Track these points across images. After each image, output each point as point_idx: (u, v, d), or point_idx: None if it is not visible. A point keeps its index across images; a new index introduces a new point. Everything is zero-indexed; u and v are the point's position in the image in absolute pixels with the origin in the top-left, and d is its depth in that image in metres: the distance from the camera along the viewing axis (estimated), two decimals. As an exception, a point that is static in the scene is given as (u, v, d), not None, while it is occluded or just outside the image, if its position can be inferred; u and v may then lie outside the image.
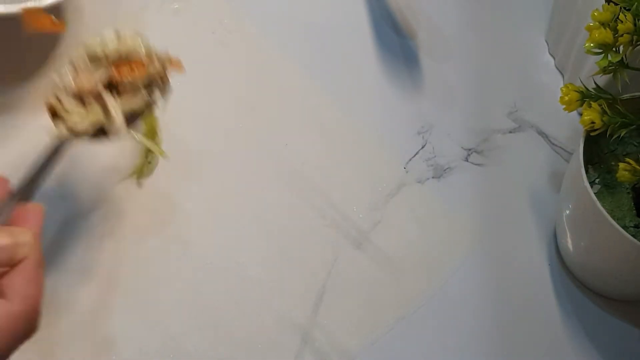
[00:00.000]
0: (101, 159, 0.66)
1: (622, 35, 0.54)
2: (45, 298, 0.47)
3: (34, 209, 0.49)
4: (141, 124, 0.62)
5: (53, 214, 0.63)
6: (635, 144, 0.60)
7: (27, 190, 0.50)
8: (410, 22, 0.79)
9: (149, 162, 0.66)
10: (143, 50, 0.57)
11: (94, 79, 0.54)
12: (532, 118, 0.73)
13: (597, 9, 0.56)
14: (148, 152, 0.66)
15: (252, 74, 0.74)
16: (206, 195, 0.67)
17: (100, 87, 0.54)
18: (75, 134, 0.53)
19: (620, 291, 0.64)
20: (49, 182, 0.55)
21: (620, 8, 0.56)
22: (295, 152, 0.70)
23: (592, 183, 0.59)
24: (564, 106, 0.58)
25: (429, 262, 0.65)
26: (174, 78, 0.75)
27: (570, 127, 0.72)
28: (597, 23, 0.55)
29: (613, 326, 0.63)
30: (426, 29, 0.79)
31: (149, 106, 0.57)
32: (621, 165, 0.55)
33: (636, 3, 0.55)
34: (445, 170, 0.70)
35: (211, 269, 0.64)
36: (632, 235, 0.54)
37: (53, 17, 0.61)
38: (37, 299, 0.46)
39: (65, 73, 0.54)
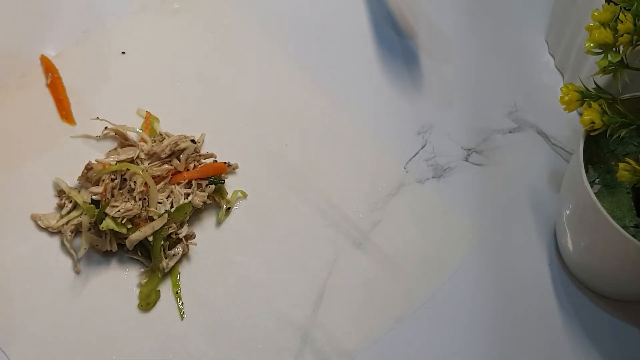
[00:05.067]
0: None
1: (622, 35, 0.54)
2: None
3: None
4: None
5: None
6: (635, 144, 0.60)
7: None
8: (410, 22, 0.79)
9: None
10: None
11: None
12: (532, 118, 0.73)
13: (597, 9, 0.56)
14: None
15: (251, 74, 0.74)
16: (206, 195, 0.67)
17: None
18: None
19: (620, 291, 0.63)
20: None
21: (620, 8, 0.56)
22: (295, 152, 0.70)
23: (592, 183, 0.59)
24: (564, 106, 0.58)
25: (429, 262, 0.65)
26: (172, 78, 0.75)
27: (570, 127, 0.72)
28: (597, 23, 0.55)
29: (613, 326, 0.63)
30: (426, 29, 0.79)
31: None
32: (621, 165, 0.55)
33: (636, 3, 0.55)
34: (445, 170, 0.70)
35: (211, 269, 0.64)
36: (632, 235, 0.54)
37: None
38: None
39: None
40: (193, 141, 0.67)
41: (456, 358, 0.61)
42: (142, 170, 0.63)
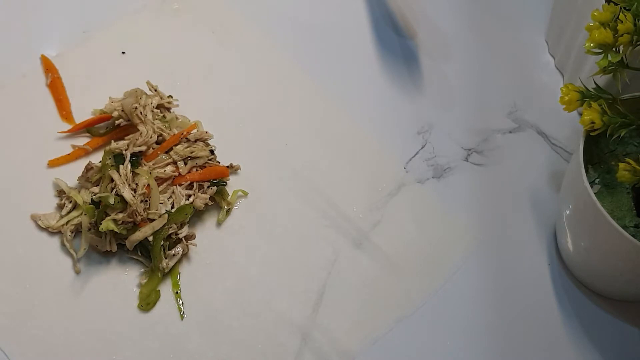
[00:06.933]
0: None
1: (622, 35, 0.54)
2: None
3: None
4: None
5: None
6: (635, 144, 0.60)
7: None
8: (410, 22, 0.79)
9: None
10: None
11: None
12: (532, 118, 0.73)
13: (597, 9, 0.56)
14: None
15: (251, 74, 0.74)
16: (206, 195, 0.67)
17: None
18: None
19: (620, 291, 0.63)
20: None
21: (620, 8, 0.56)
22: (295, 152, 0.70)
23: (592, 183, 0.59)
24: (564, 106, 0.58)
25: (429, 262, 0.65)
26: (173, 79, 0.75)
27: (570, 127, 0.72)
28: (597, 23, 0.55)
29: (613, 326, 0.63)
30: (426, 29, 0.79)
31: None
32: (621, 165, 0.55)
33: (636, 3, 0.55)
34: (445, 170, 0.70)
35: (211, 269, 0.64)
36: (632, 235, 0.54)
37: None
38: None
39: None
40: (212, 152, 0.67)
41: (456, 358, 0.62)
42: (146, 172, 0.63)
